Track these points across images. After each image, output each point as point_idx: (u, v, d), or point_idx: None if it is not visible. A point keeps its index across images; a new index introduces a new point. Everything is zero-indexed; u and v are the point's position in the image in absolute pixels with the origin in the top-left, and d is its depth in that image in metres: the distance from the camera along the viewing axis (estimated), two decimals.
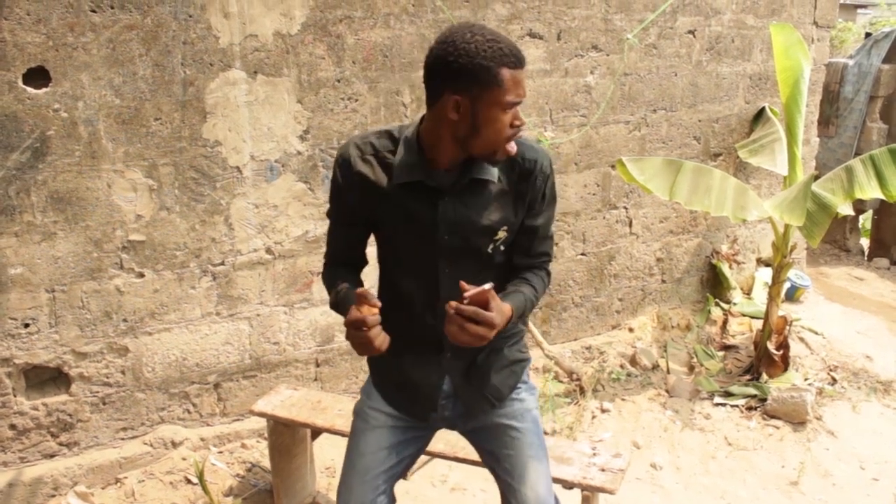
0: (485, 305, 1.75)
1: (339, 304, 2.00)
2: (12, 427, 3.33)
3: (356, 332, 1.79)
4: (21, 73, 3.05)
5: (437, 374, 2.08)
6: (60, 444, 3.45)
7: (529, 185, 1.98)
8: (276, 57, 3.49)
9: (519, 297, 1.97)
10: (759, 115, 5.18)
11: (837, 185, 4.20)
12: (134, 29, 3.20)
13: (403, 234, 1.97)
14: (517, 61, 1.77)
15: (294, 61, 3.53)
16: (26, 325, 3.27)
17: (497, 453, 2.14)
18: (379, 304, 1.80)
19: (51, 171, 3.18)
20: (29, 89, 3.07)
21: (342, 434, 3.11)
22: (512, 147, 1.86)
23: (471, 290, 1.74)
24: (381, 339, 1.81)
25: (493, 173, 1.92)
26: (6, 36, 2.99)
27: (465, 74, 1.75)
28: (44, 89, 3.10)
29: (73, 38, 3.10)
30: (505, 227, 1.96)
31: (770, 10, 5.02)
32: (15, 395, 3.32)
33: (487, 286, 1.75)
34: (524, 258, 2.07)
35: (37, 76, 3.09)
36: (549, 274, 2.14)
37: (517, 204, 1.99)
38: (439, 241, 1.94)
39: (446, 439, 2.95)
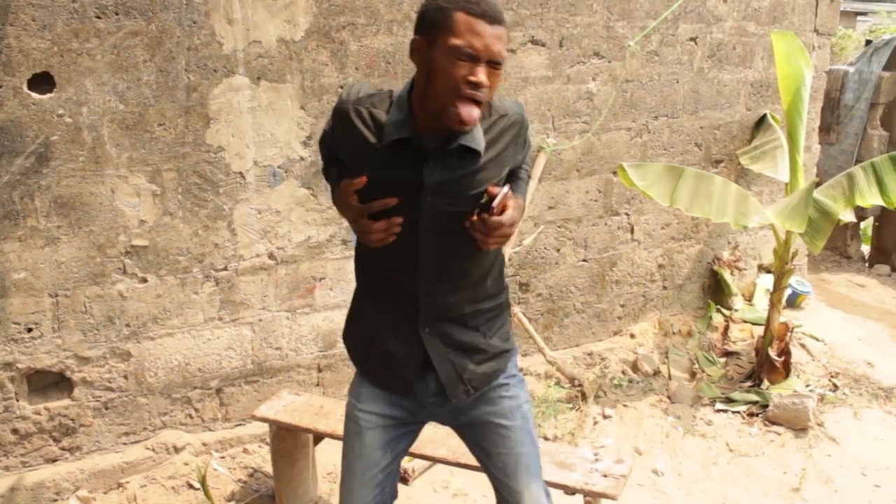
0: (506, 207, 1.85)
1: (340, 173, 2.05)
2: (15, 431, 3.34)
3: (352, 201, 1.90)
4: (26, 79, 3.07)
5: (416, 348, 2.05)
6: (63, 448, 3.45)
7: (515, 142, 2.00)
8: (279, 63, 3.50)
9: (520, 186, 2.11)
10: (761, 122, 5.20)
11: (839, 191, 4.21)
12: (138, 35, 3.21)
13: (387, 194, 1.90)
14: (479, 10, 1.72)
15: (297, 67, 3.55)
16: (29, 330, 3.28)
17: (488, 451, 2.14)
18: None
19: (55, 176, 3.19)
20: (34, 95, 3.09)
21: None
22: (464, 112, 1.76)
23: (496, 198, 1.83)
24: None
25: (480, 142, 1.89)
26: (11, 42, 3.00)
27: (426, 16, 1.77)
28: (48, 95, 3.12)
29: (77, 43, 3.12)
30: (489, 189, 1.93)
31: (771, 18, 5.03)
32: (17, 400, 3.32)
33: (506, 189, 1.86)
34: None
35: (41, 82, 3.10)
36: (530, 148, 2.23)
37: (504, 165, 1.99)
38: (422, 204, 1.90)
39: (448, 445, 2.96)
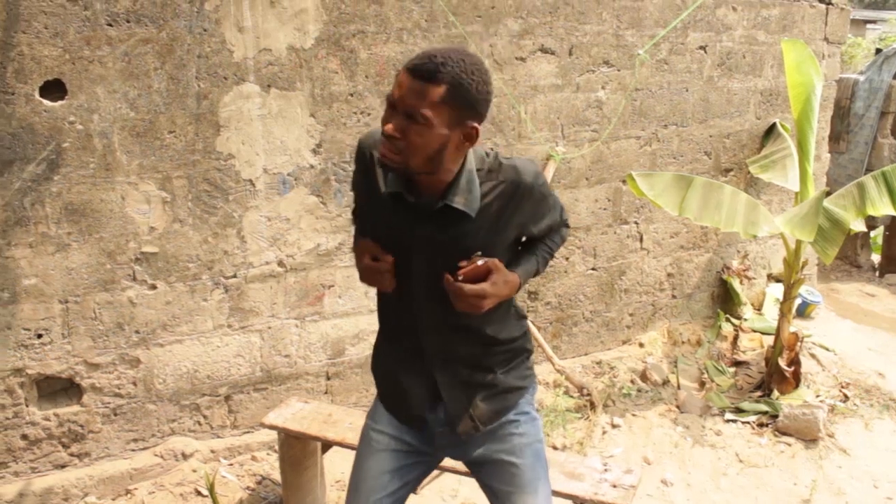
0: (482, 277, 1.86)
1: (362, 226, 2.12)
2: (24, 437, 3.34)
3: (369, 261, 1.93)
4: (38, 86, 3.08)
5: (426, 385, 2.06)
6: (72, 454, 3.45)
7: (518, 210, 1.95)
8: (289, 71, 3.51)
9: (531, 261, 2.08)
10: (770, 131, 5.19)
11: (849, 201, 4.19)
12: (149, 42, 3.23)
13: (383, 241, 1.94)
14: (411, 64, 1.74)
15: (307, 75, 3.56)
16: (39, 336, 3.29)
17: (496, 489, 2.10)
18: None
19: (65, 182, 3.20)
20: (45, 102, 3.10)
21: (353, 448, 3.09)
22: (378, 152, 1.82)
23: (464, 268, 1.86)
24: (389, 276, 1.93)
25: (472, 205, 1.87)
26: (24, 49, 3.02)
27: None
28: (60, 102, 3.13)
29: (89, 51, 3.13)
30: (479, 252, 1.91)
31: (781, 27, 5.03)
32: (27, 406, 3.33)
33: (480, 262, 1.86)
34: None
35: (53, 89, 3.12)
36: (566, 227, 2.21)
37: (504, 231, 1.96)
38: (414, 260, 1.93)
39: None
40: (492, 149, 2.13)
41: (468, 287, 1.85)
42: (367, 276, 1.97)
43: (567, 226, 2.21)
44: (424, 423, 2.10)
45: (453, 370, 2.05)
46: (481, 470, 2.15)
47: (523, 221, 1.99)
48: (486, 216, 1.90)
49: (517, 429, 2.11)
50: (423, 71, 1.72)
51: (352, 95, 3.68)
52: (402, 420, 2.13)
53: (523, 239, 2.09)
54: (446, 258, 1.88)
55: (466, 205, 1.86)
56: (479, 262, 1.87)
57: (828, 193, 4.22)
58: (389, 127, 1.75)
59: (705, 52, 4.74)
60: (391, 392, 2.15)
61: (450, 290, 1.86)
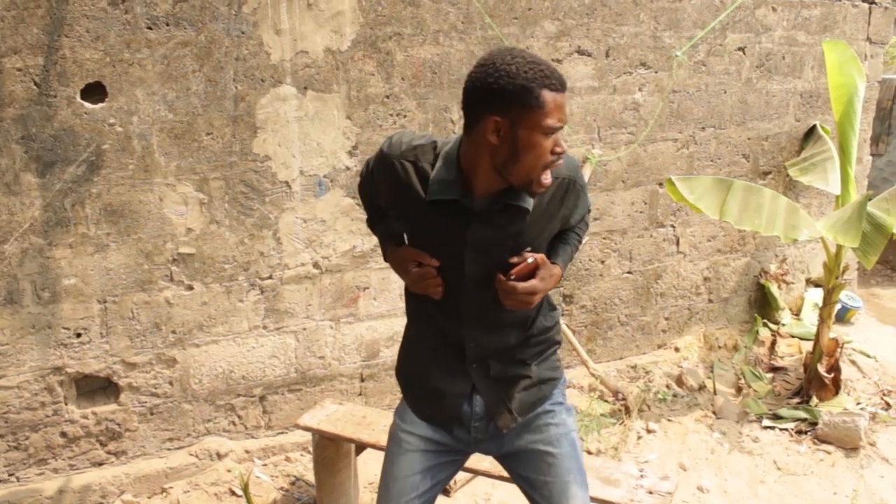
0: (531, 274, 1.89)
1: (389, 233, 2.12)
2: (63, 434, 3.38)
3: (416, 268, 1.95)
4: (79, 89, 3.12)
5: (464, 383, 2.07)
6: (109, 452, 3.49)
7: (564, 203, 1.97)
8: (326, 73, 3.52)
9: (566, 250, 2.10)
10: (810, 134, 5.10)
11: (892, 204, 4.10)
12: (188, 45, 3.25)
13: (430, 247, 1.95)
14: (559, 84, 1.73)
15: (344, 77, 3.56)
16: (78, 335, 3.33)
17: (534, 480, 2.09)
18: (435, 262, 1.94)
19: (105, 184, 3.24)
20: (86, 104, 3.14)
21: None
22: (547, 178, 1.81)
23: (516, 268, 1.89)
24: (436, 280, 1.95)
25: (529, 201, 1.87)
26: (66, 52, 3.06)
27: (506, 95, 1.70)
28: (100, 104, 3.17)
29: (129, 54, 3.16)
30: (529, 248, 1.93)
31: (822, 27, 4.94)
32: (66, 404, 3.37)
33: (530, 260, 1.89)
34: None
35: (94, 91, 3.16)
36: (589, 213, 2.22)
37: (551, 223, 1.98)
38: (466, 261, 1.92)
39: (490, 458, 2.92)
40: None
41: (521, 285, 1.87)
42: (418, 284, 1.98)
43: (589, 211, 2.22)
44: (459, 423, 2.09)
45: (491, 366, 2.06)
46: (517, 461, 2.14)
47: (567, 214, 2.01)
48: (538, 211, 1.91)
49: (553, 419, 2.12)
50: (565, 82, 1.77)
51: (388, 98, 3.68)
52: (437, 424, 2.12)
53: None
54: (499, 256, 1.90)
55: (524, 201, 1.87)
56: (529, 259, 1.90)
57: (870, 197, 4.14)
58: (563, 147, 1.80)
59: (744, 53, 4.68)
60: (423, 395, 2.13)
61: (502, 289, 1.88)
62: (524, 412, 2.09)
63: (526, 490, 2.13)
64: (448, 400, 2.08)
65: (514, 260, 1.89)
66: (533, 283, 1.89)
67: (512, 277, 1.88)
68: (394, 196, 1.97)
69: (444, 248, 1.92)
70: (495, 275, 1.91)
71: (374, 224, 2.20)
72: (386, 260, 2.14)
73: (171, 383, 3.53)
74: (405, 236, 2.07)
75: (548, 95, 1.71)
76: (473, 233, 1.89)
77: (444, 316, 2.03)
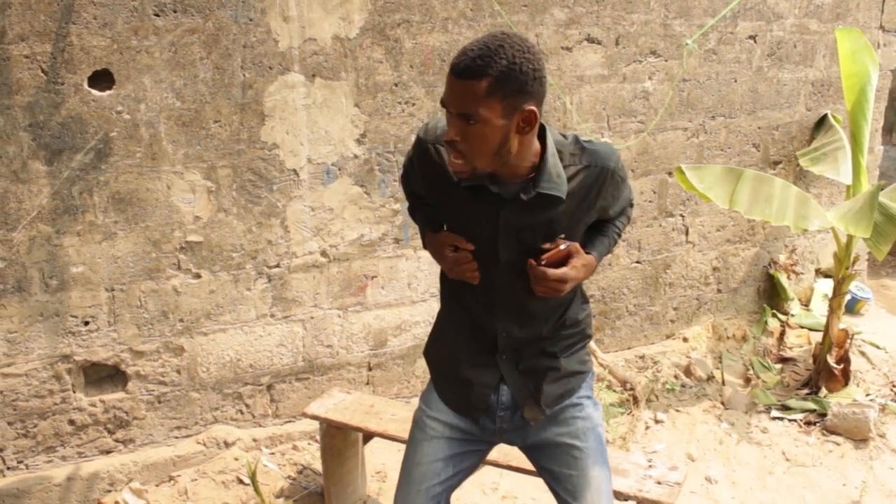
0: (563, 261, 1.90)
1: (428, 220, 2.12)
2: (71, 422, 3.39)
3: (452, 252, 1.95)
4: (87, 76, 3.11)
5: (491, 374, 2.07)
6: (116, 440, 3.50)
7: (602, 193, 1.95)
8: (334, 60, 3.50)
9: (604, 242, 2.09)
10: (821, 123, 5.05)
11: None
12: (195, 32, 3.23)
13: (466, 232, 1.95)
14: (454, 63, 1.72)
15: (352, 65, 3.54)
16: (86, 323, 3.33)
17: (558, 473, 2.08)
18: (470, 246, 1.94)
19: (113, 172, 3.23)
20: (94, 92, 3.13)
21: (394, 439, 3.11)
22: (447, 159, 1.83)
23: (547, 253, 1.89)
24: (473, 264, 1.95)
25: (562, 188, 1.86)
26: (73, 40, 3.05)
27: None
28: (108, 92, 3.16)
29: (136, 41, 3.15)
30: (563, 236, 1.93)
31: (835, 15, 4.89)
32: (74, 392, 3.38)
33: (563, 247, 1.90)
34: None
35: (101, 79, 3.15)
36: (631, 207, 2.21)
37: (587, 213, 1.97)
38: (498, 247, 1.92)
39: (499, 447, 2.92)
40: (569, 132, 2.09)
41: (551, 271, 1.88)
42: (455, 269, 1.97)
43: (632, 205, 2.21)
44: (485, 413, 2.09)
45: (520, 357, 2.05)
46: (542, 453, 2.13)
47: (604, 205, 2.00)
48: (573, 199, 1.90)
49: (580, 412, 2.11)
50: (463, 69, 1.69)
51: (396, 85, 3.65)
52: (461, 411, 2.12)
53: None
54: (532, 243, 1.90)
55: (557, 189, 1.85)
56: (562, 246, 1.90)
57: (882, 187, 4.10)
58: (450, 134, 1.75)
59: (755, 41, 4.63)
60: (451, 382, 2.13)
61: (533, 274, 1.89)
62: (551, 404, 2.09)
63: (549, 482, 2.13)
64: (475, 390, 2.08)
65: (546, 246, 1.89)
66: (564, 270, 1.89)
67: (543, 263, 1.87)
68: (429, 181, 1.99)
69: (479, 234, 1.92)
70: (527, 257, 1.91)
71: (414, 211, 2.22)
72: (424, 247, 2.14)
73: (178, 371, 3.54)
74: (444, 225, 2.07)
75: (448, 73, 1.74)
76: (505, 218, 1.89)
77: (478, 304, 2.03)
